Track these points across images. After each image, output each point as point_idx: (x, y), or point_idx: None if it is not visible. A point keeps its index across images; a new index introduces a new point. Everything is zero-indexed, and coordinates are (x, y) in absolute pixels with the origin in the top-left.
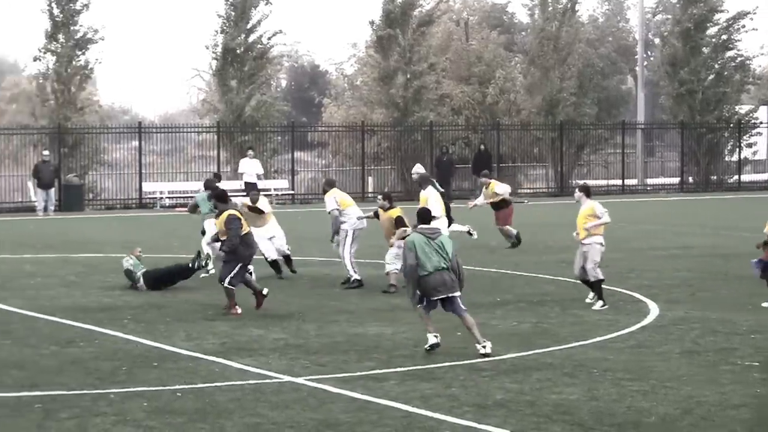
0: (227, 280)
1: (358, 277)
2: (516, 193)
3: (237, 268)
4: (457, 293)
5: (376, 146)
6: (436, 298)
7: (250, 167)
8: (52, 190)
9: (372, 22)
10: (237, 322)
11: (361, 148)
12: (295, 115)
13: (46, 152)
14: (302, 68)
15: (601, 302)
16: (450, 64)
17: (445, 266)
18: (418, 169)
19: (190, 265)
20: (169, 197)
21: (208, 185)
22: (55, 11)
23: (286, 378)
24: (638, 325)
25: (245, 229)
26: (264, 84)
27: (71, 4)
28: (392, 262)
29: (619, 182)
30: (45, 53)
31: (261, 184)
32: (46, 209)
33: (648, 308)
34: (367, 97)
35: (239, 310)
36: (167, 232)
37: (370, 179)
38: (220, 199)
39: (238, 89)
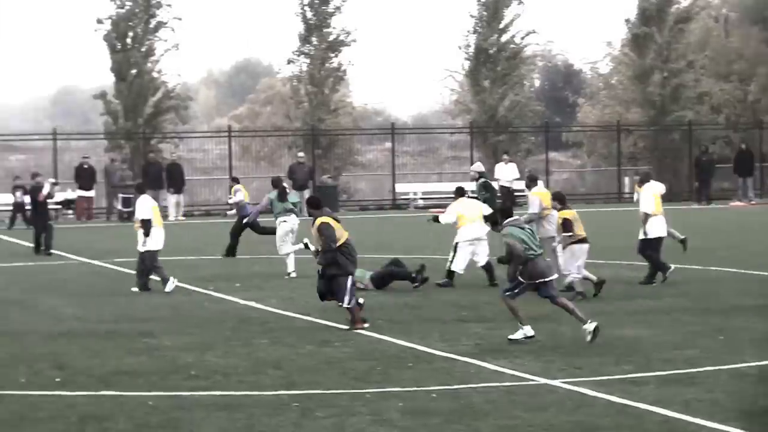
0: (346, 301)
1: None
2: None
3: (350, 284)
4: (556, 276)
5: (632, 146)
6: (541, 280)
7: (506, 172)
8: (307, 192)
9: (627, 20)
10: (491, 324)
11: (616, 147)
12: (549, 114)
13: (300, 154)
14: (556, 68)
15: None
16: (709, 62)
17: (541, 251)
18: (477, 167)
19: (413, 275)
20: (422, 198)
21: (277, 183)
22: (308, 14)
23: (542, 380)
24: None
25: (342, 237)
26: (517, 84)
27: (324, 7)
28: (569, 270)
29: None
30: (298, 56)
31: (516, 186)
32: (300, 210)
33: None
34: (622, 96)
35: (366, 324)
36: (420, 234)
37: (626, 179)
38: (312, 206)
39: (491, 89)
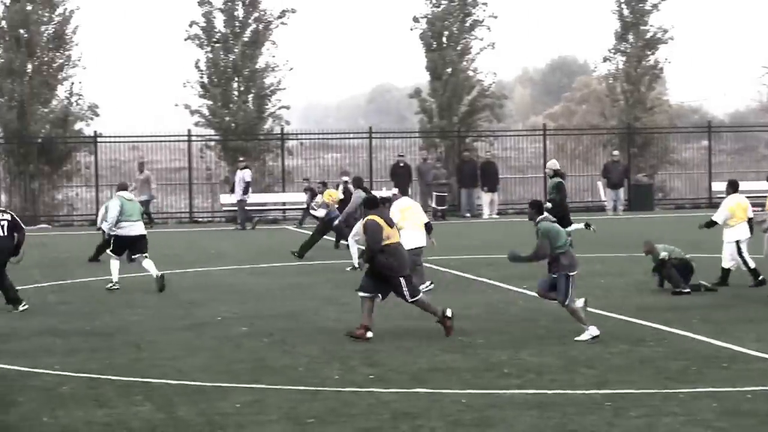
0: (408, 295)
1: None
2: None
3: (405, 283)
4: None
5: None
6: (574, 272)
7: None
8: (621, 190)
9: None
10: None
11: None
12: None
13: (615, 152)
14: None
15: None
16: None
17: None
18: (551, 164)
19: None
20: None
21: (358, 184)
22: (625, 12)
23: None
24: None
25: (390, 238)
26: None
27: (641, 5)
28: None
29: None
30: (615, 54)
31: None
32: (615, 209)
33: None
34: None
35: (369, 335)
36: None
37: None
38: (368, 205)
39: None
